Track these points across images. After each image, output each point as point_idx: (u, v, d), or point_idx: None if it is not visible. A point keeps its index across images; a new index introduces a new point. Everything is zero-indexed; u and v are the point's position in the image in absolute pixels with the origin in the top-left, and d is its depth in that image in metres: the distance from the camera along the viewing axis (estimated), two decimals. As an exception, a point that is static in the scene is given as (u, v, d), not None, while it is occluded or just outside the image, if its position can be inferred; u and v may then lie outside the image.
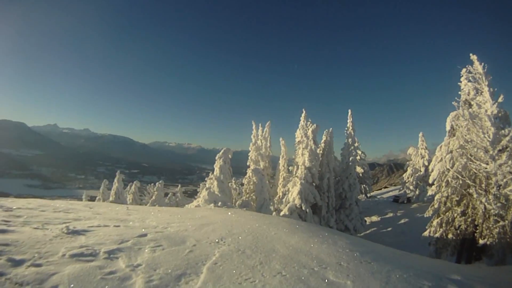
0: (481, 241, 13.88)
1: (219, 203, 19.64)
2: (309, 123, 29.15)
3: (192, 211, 14.55)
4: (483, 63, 14.93)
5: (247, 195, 29.64)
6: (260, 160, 32.48)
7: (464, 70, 15.94)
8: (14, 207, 9.17)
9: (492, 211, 13.23)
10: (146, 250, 6.26)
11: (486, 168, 13.42)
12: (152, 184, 40.31)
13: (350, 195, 30.64)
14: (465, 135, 14.66)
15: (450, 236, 16.24)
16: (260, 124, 34.38)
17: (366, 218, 33.26)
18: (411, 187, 38.99)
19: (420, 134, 41.25)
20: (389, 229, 31.23)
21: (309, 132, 27.27)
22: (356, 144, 34.36)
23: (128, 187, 39.36)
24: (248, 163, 32.10)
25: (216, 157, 23.44)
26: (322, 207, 26.60)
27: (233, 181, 34.24)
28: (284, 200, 25.87)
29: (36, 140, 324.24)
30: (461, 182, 15.48)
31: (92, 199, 39.75)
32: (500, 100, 13.95)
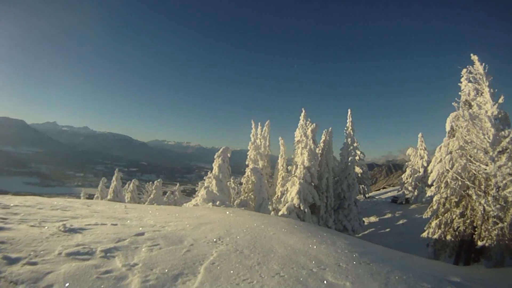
0: (479, 243, 13.82)
1: (218, 202, 19.58)
2: (308, 122, 29.09)
3: (190, 210, 14.51)
4: (484, 64, 14.88)
5: (246, 195, 29.58)
6: (259, 159, 32.41)
7: (464, 70, 15.88)
8: (12, 205, 9.09)
9: (491, 212, 13.17)
10: (143, 249, 6.19)
11: (485, 170, 13.37)
12: (151, 182, 40.24)
13: (349, 196, 30.60)
14: (465, 136, 14.61)
15: (448, 237, 16.20)
16: (259, 123, 34.31)
17: (364, 219, 33.20)
18: (409, 188, 38.96)
19: (420, 135, 41.22)
20: (388, 229, 31.18)
21: (309, 132, 27.21)
22: (355, 144, 34.29)
23: (127, 185, 39.33)
24: (247, 162, 32.02)
25: (215, 156, 23.37)
26: (320, 207, 26.57)
27: (232, 180, 34.16)
28: (282, 199, 25.83)
29: (35, 138, 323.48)
30: (460, 183, 15.42)
31: (90, 197, 39.69)
32: (500, 101, 13.91)
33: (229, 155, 23.85)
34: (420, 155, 39.88)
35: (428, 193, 18.66)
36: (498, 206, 12.88)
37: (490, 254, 13.86)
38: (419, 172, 38.89)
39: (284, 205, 24.52)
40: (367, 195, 45.67)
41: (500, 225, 13.02)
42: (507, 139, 12.89)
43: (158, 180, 39.07)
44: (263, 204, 24.17)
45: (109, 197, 34.32)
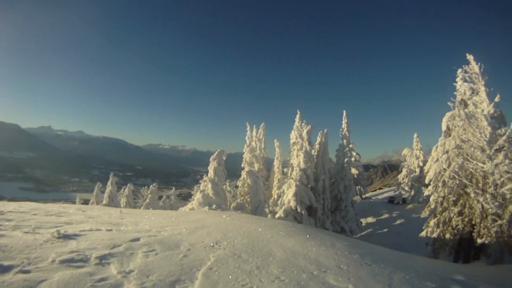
0: (479, 241, 13.82)
1: (214, 206, 19.45)
2: (303, 124, 28.95)
3: (186, 214, 14.38)
4: (479, 63, 14.89)
5: (242, 198, 29.43)
6: (254, 162, 32.26)
7: (459, 70, 15.93)
8: (5, 211, 9.00)
9: (489, 210, 13.15)
10: (139, 255, 6.08)
11: (483, 168, 13.35)
12: (146, 187, 39.98)
13: (346, 197, 30.52)
14: (462, 135, 14.61)
15: (447, 236, 16.18)
16: (254, 126, 34.15)
17: (361, 220, 33.14)
18: (406, 188, 38.95)
19: (415, 135, 41.32)
20: (385, 230, 31.16)
21: (304, 133, 27.11)
22: (351, 146, 34.26)
23: (122, 190, 39.03)
24: (242, 165, 31.84)
25: (210, 159, 23.20)
26: (317, 209, 26.49)
27: (228, 184, 34.00)
28: (279, 202, 25.71)
29: (29, 142, 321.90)
30: (457, 182, 15.42)
31: (86, 202, 39.45)
32: (496, 99, 13.90)
33: (224, 158, 23.69)
34: (416, 155, 39.92)
35: (426, 193, 18.63)
36: (496, 203, 12.85)
37: (489, 251, 13.85)
38: (415, 172, 38.94)
39: (281, 207, 24.40)
40: (363, 196, 45.66)
41: (499, 222, 12.99)
42: (504, 137, 12.89)
43: (154, 184, 38.79)
44: (260, 207, 24.05)
45: (104, 202, 34.05)
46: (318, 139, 31.06)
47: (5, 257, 5.06)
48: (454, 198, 16.08)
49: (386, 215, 36.01)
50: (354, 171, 40.17)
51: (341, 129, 34.45)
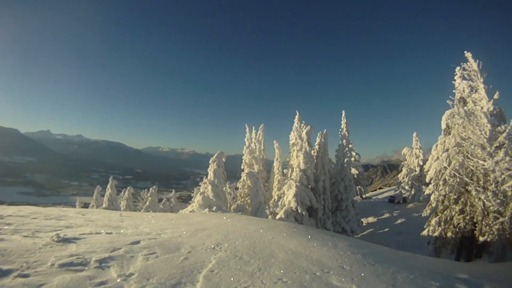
0: (481, 238, 13.75)
1: (214, 208, 19.39)
2: (303, 125, 28.90)
3: (186, 216, 14.33)
4: (477, 60, 14.85)
5: (242, 199, 29.38)
6: (254, 163, 32.20)
7: (458, 68, 15.88)
8: (5, 215, 8.98)
9: (491, 208, 13.09)
10: (139, 258, 6.03)
11: (483, 165, 13.29)
12: (146, 189, 39.90)
13: (346, 197, 30.44)
14: (461, 133, 14.55)
15: (449, 234, 16.12)
16: (253, 127, 34.12)
17: (362, 220, 33.06)
18: (406, 187, 38.89)
19: (414, 134, 41.25)
20: (386, 229, 31.09)
21: (303, 134, 27.05)
22: (350, 146, 34.21)
23: (122, 193, 38.98)
24: (242, 167, 31.79)
25: (210, 161, 23.14)
26: (318, 209, 26.41)
27: (228, 185, 33.95)
28: (279, 203, 25.64)
29: (29, 147, 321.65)
30: (458, 180, 15.36)
31: (85, 205, 39.42)
32: (495, 96, 13.85)
33: (224, 160, 23.64)
34: (415, 154, 39.87)
35: (427, 191, 18.58)
36: (498, 201, 12.79)
37: (491, 249, 13.81)
38: (415, 171, 38.89)
39: (281, 208, 24.34)
40: (364, 196, 45.63)
41: (500, 219, 12.94)
42: (504, 134, 12.83)
43: (153, 187, 38.72)
44: (260, 208, 23.99)
45: (104, 205, 33.99)
46: (318, 140, 30.99)
47: (4, 261, 5.04)
48: (455, 196, 16.03)
49: (387, 215, 35.95)
50: (354, 171, 40.13)
51: (340, 129, 34.43)
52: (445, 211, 16.45)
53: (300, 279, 5.54)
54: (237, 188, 33.14)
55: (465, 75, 15.39)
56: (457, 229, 15.76)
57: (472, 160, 13.94)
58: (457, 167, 15.15)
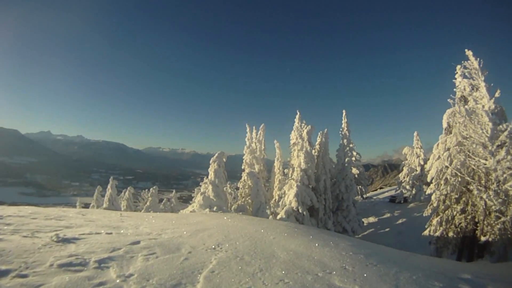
0: (483, 238, 13.73)
1: (215, 208, 19.35)
2: (303, 124, 28.85)
3: (187, 216, 14.29)
4: (478, 59, 14.82)
5: (243, 199, 29.33)
6: (255, 163, 32.17)
7: (458, 66, 15.89)
8: (5, 215, 8.92)
9: (493, 207, 13.05)
10: (139, 259, 5.98)
11: (485, 164, 13.25)
12: (147, 190, 39.87)
13: (347, 197, 30.41)
14: (463, 132, 14.51)
15: (450, 234, 16.08)
16: (254, 127, 34.08)
17: (363, 219, 33.01)
18: (407, 187, 38.76)
19: (415, 133, 41.07)
20: (387, 229, 31.04)
21: (304, 134, 27.03)
22: (351, 145, 34.19)
23: (122, 193, 38.96)
24: (243, 167, 31.76)
25: (211, 161, 23.10)
26: (319, 209, 26.36)
27: (228, 185, 33.92)
28: (280, 203, 25.61)
29: (29, 148, 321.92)
30: (460, 179, 15.32)
31: (86, 206, 39.39)
32: (497, 95, 13.81)
33: (224, 159, 23.60)
34: (416, 153, 39.75)
35: (428, 191, 18.54)
36: (499, 200, 12.74)
37: (493, 249, 13.78)
38: (416, 170, 38.77)
39: (282, 208, 24.30)
40: (364, 196, 45.60)
41: (502, 219, 12.89)
42: (505, 133, 12.79)
43: (154, 187, 38.71)
44: (261, 208, 23.94)
45: (104, 205, 33.98)
46: (318, 139, 31.00)
47: (3, 262, 4.99)
48: (456, 196, 15.98)
49: (388, 215, 35.87)
50: (355, 170, 40.08)
51: (341, 129, 34.42)
52: (447, 211, 16.41)
53: (302, 280, 5.48)
54: (237, 188, 33.12)
55: (466, 74, 15.38)
56: (459, 229, 15.72)
57: (474, 159, 13.90)
58: (459, 166, 15.11)
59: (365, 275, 5.91)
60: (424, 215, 18.72)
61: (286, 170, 31.04)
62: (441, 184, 16.91)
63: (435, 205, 17.31)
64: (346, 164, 32.00)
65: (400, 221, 32.22)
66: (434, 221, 16.94)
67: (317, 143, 30.68)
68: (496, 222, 13.15)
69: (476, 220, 14.67)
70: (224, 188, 25.70)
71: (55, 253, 5.75)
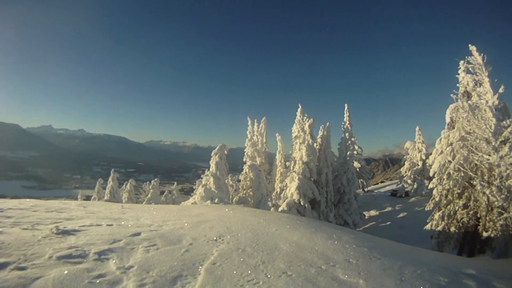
0: (484, 234, 13.68)
1: (216, 200, 19.32)
2: (305, 117, 28.84)
3: (188, 208, 14.23)
4: (482, 54, 14.70)
5: (244, 191, 29.34)
6: (256, 156, 32.21)
7: (462, 62, 15.89)
8: (5, 208, 8.83)
9: (495, 203, 12.99)
10: (139, 250, 5.90)
11: (488, 160, 13.16)
12: (148, 182, 39.89)
13: (349, 190, 30.46)
14: (466, 127, 14.40)
15: (452, 229, 16.05)
16: (255, 120, 34.15)
17: (364, 213, 33.14)
18: (409, 181, 38.79)
19: (417, 128, 40.99)
20: (388, 223, 31.08)
21: (306, 127, 27.01)
22: (353, 139, 34.22)
23: (124, 185, 39.02)
24: (244, 159, 31.79)
25: (212, 154, 23.10)
26: (320, 202, 26.39)
27: (230, 178, 33.95)
28: (282, 195, 25.66)
29: (31, 142, 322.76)
30: (462, 174, 15.24)
31: (87, 198, 39.48)
32: (500, 90, 13.71)
33: (226, 152, 23.60)
34: (418, 148, 39.71)
35: (430, 185, 18.48)
36: (502, 196, 12.68)
37: (494, 245, 13.73)
38: (418, 165, 38.76)
39: (284, 200, 24.34)
40: (366, 189, 45.71)
41: (505, 215, 12.83)
42: (509, 129, 12.72)
43: (155, 179, 38.71)
44: (262, 200, 23.97)
45: (106, 198, 34.07)
46: (320, 133, 31.01)
47: (2, 254, 4.90)
48: (459, 191, 15.93)
49: (389, 208, 35.93)
50: (356, 164, 40.12)
51: (343, 123, 34.43)
52: (449, 206, 16.38)
53: (305, 272, 5.40)
54: (239, 181, 33.16)
55: (470, 69, 15.35)
56: (461, 224, 15.70)
57: (477, 154, 13.81)
58: (462, 161, 15.02)
59: (369, 268, 5.83)
60: (425, 209, 18.67)
61: (287, 163, 31.10)
62: (443, 179, 16.82)
63: (437, 199, 17.26)
64: (347, 158, 32.04)
65: (401, 215, 32.26)
66: (436, 216, 16.91)
67: (319, 136, 30.68)
68: (498, 218, 13.09)
69: (478, 215, 14.64)
70: (226, 181, 25.69)
71: (54, 245, 5.67)
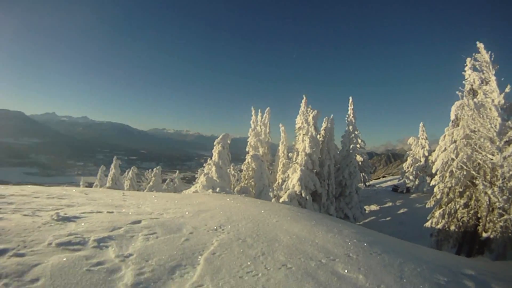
0: (484, 234, 13.62)
1: (218, 189, 19.34)
2: (309, 109, 28.79)
3: (189, 197, 14.24)
4: (489, 52, 14.52)
5: (246, 181, 29.38)
6: (259, 146, 32.22)
7: (468, 59, 15.72)
8: (7, 194, 8.85)
9: (496, 204, 12.89)
10: (139, 238, 5.90)
11: (492, 159, 13.04)
12: (150, 170, 39.99)
13: (350, 183, 30.41)
14: (470, 125, 14.27)
15: (452, 228, 16.04)
16: (259, 110, 34.12)
17: (365, 207, 33.14)
18: (410, 177, 38.72)
19: (421, 124, 40.76)
20: (388, 218, 31.09)
21: (310, 118, 26.92)
22: (356, 132, 34.21)
23: (126, 173, 39.15)
24: (247, 149, 31.85)
25: (215, 142, 23.10)
26: (322, 194, 26.37)
27: (232, 167, 33.98)
28: (283, 186, 25.69)
29: (34, 129, 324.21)
30: (465, 172, 15.16)
31: (90, 185, 39.60)
32: (507, 90, 13.55)
33: (229, 141, 23.59)
34: (421, 144, 39.53)
35: (432, 182, 18.43)
36: (504, 197, 12.58)
37: (493, 246, 13.69)
38: (420, 161, 38.63)
39: (285, 192, 24.37)
40: (367, 183, 45.69)
41: (505, 217, 12.73)
42: (514, 129, 12.59)
43: (157, 167, 38.81)
44: (264, 191, 24.00)
45: (108, 185, 34.17)
46: (324, 125, 30.93)
47: (1, 241, 4.90)
48: (460, 190, 15.87)
49: (390, 204, 35.91)
50: (359, 158, 40.04)
51: (347, 115, 34.35)
52: (450, 204, 16.35)
53: (305, 265, 5.37)
54: (241, 170, 33.23)
55: (477, 66, 15.18)
56: (461, 223, 15.69)
57: (481, 153, 13.69)
58: (465, 160, 14.92)
59: (369, 264, 5.80)
60: (426, 206, 18.63)
61: (290, 154, 31.11)
62: (446, 177, 16.75)
63: (438, 197, 17.21)
64: (350, 151, 31.98)
65: (401, 211, 32.25)
66: (437, 213, 16.88)
67: (322, 128, 30.61)
68: (498, 219, 13.00)
69: (479, 215, 14.57)
70: (228, 170, 25.73)
71: (54, 231, 5.67)
